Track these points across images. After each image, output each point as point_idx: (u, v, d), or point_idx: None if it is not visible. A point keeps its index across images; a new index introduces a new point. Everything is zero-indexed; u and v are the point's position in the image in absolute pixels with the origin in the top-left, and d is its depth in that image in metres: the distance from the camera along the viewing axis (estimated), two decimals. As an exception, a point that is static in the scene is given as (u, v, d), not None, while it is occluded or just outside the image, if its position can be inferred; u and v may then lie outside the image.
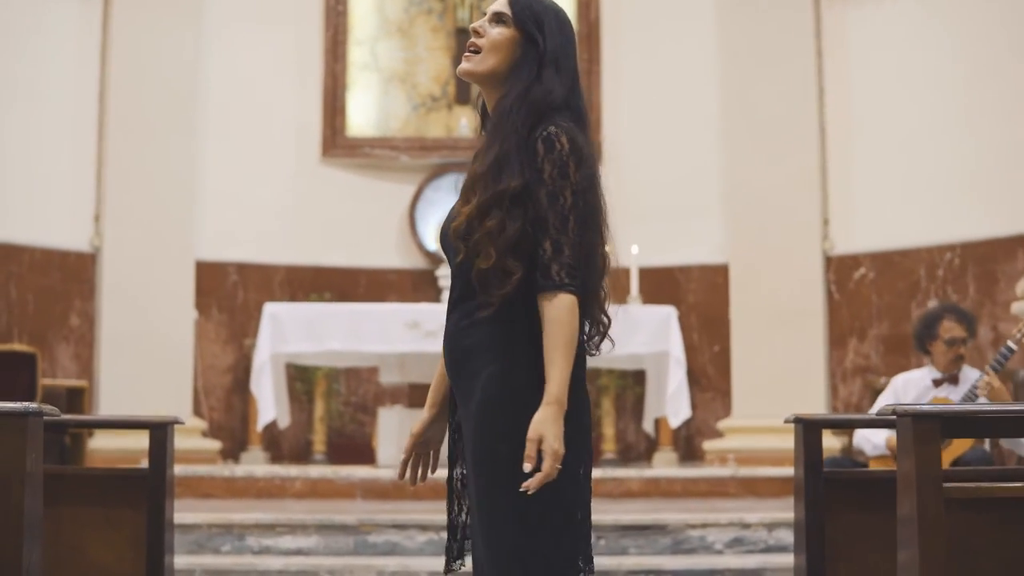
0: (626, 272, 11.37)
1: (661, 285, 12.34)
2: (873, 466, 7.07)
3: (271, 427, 11.39)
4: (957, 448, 6.92)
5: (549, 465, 3.02)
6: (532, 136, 3.20)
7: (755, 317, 11.91)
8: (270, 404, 10.42)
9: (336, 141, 13.15)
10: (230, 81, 12.68)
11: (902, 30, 11.93)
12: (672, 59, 12.88)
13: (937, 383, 7.25)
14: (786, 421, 4.11)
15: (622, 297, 11.35)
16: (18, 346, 11.11)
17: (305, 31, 13.13)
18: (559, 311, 3.12)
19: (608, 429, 12.10)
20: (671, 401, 10.66)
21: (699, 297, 12.55)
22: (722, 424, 11.92)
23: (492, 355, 3.20)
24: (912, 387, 7.26)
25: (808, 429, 4.04)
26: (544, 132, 3.19)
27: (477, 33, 3.32)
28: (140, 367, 11.63)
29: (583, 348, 3.28)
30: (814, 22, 12.16)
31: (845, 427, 6.91)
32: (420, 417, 3.47)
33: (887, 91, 11.93)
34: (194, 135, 12.29)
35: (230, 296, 12.59)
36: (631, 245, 11.43)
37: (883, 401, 7.25)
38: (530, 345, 3.17)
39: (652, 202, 12.53)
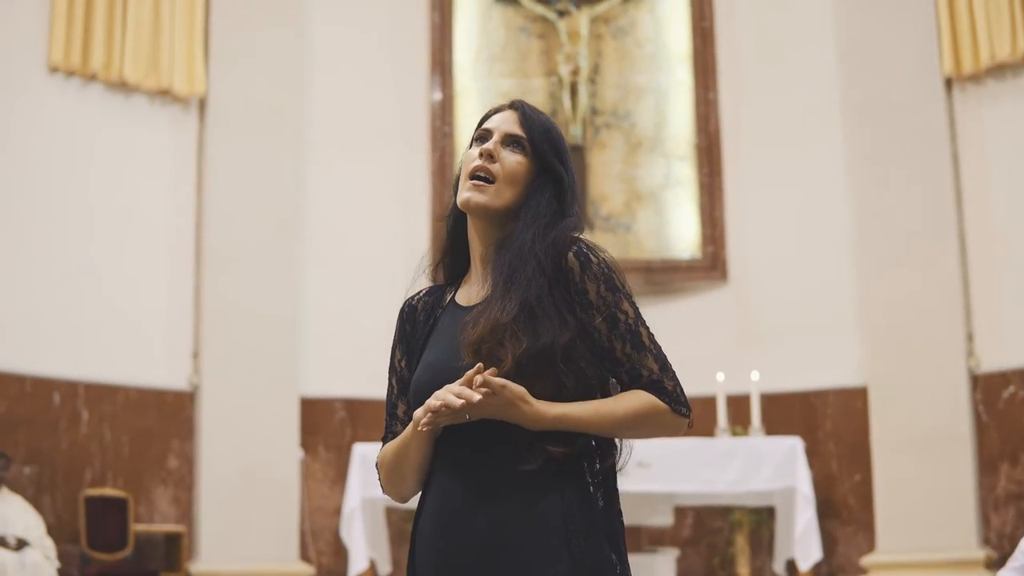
0: (746, 400, 10.54)
1: (793, 412, 11.51)
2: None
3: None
4: None
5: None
6: (559, 268, 2.74)
7: (898, 443, 11.09)
8: (362, 554, 9.82)
9: (446, 267, 12.54)
10: (333, 207, 12.21)
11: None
12: (797, 167, 12.16)
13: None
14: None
15: (744, 428, 10.57)
16: (110, 490, 10.71)
17: (411, 154, 12.61)
18: (661, 414, 2.71)
19: (743, 568, 11.24)
20: (800, 543, 9.81)
21: (837, 423, 11.70)
22: (866, 560, 11.05)
23: (563, 534, 2.68)
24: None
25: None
26: (571, 251, 2.75)
27: (491, 156, 2.81)
28: (243, 510, 11.15)
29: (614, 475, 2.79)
30: (948, 123, 11.36)
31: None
32: None
33: (1031, 192, 11.07)
34: (296, 264, 11.81)
35: (337, 434, 11.98)
36: (751, 371, 10.61)
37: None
38: (599, 512, 2.72)
39: (781, 322, 11.80)
